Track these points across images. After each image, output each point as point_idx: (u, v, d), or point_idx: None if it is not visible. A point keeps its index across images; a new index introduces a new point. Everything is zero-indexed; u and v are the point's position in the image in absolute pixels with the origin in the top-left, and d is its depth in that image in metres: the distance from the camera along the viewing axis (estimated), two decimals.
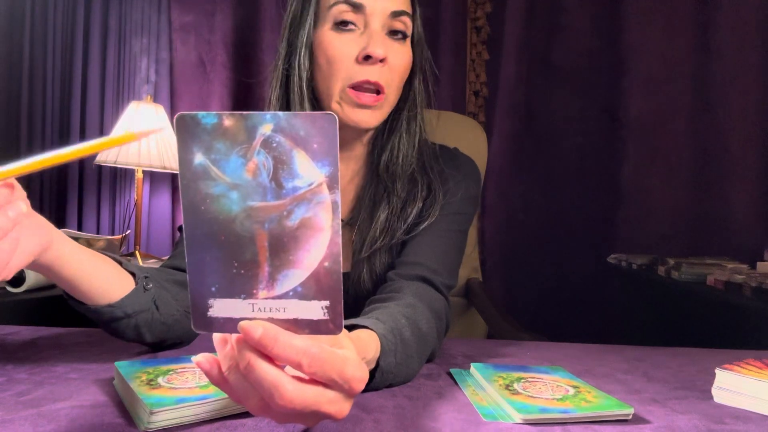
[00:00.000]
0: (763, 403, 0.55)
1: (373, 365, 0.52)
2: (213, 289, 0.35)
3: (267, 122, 0.33)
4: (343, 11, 0.72)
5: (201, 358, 0.37)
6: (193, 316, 0.36)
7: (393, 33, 0.74)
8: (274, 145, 0.33)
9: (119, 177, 2.21)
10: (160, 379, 0.52)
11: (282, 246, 0.34)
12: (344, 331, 0.38)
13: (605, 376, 0.66)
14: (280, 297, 0.35)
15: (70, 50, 2.16)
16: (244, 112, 0.33)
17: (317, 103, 0.77)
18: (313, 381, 0.36)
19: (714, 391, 0.59)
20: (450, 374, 0.64)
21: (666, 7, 2.07)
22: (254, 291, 0.35)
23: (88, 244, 1.50)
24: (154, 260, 1.81)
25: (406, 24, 0.74)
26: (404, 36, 0.75)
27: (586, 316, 2.05)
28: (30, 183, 2.06)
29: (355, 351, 0.39)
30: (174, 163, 1.83)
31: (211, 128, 0.33)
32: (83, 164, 2.16)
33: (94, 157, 1.82)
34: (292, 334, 0.35)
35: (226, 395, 0.42)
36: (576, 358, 0.74)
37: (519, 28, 2.18)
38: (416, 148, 0.81)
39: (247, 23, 2.25)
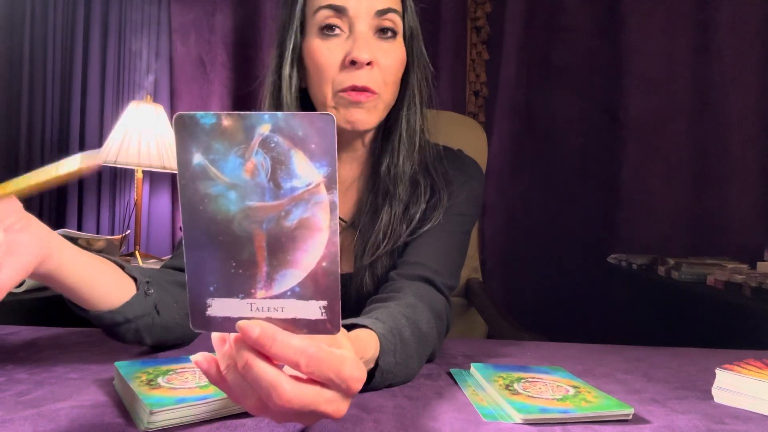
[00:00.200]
0: (763, 403, 0.55)
1: (372, 365, 0.52)
2: (211, 288, 0.35)
3: (265, 122, 0.33)
4: (327, 16, 0.71)
5: (199, 357, 0.37)
6: (191, 315, 0.36)
7: (382, 32, 0.73)
8: (272, 145, 0.33)
9: (119, 177, 2.21)
10: (159, 379, 0.52)
11: (280, 246, 0.34)
12: (343, 330, 0.38)
13: (605, 376, 0.66)
14: (278, 297, 0.35)
15: (70, 50, 2.16)
16: (243, 113, 0.33)
17: (312, 110, 0.77)
18: (311, 380, 0.36)
19: (714, 391, 0.59)
20: (450, 374, 0.64)
21: (666, 7, 2.06)
22: (252, 291, 0.35)
23: (88, 244, 1.51)
24: (153, 260, 1.81)
25: (394, 21, 0.73)
26: (394, 33, 0.73)
27: (586, 316, 2.05)
28: None
29: (353, 351, 0.39)
30: (174, 163, 1.83)
31: (210, 128, 0.33)
32: None
33: None
34: (289, 333, 0.35)
35: (225, 395, 0.43)
36: (576, 358, 0.74)
37: (519, 28, 2.17)
38: (417, 148, 0.80)
39: (247, 23, 2.25)
